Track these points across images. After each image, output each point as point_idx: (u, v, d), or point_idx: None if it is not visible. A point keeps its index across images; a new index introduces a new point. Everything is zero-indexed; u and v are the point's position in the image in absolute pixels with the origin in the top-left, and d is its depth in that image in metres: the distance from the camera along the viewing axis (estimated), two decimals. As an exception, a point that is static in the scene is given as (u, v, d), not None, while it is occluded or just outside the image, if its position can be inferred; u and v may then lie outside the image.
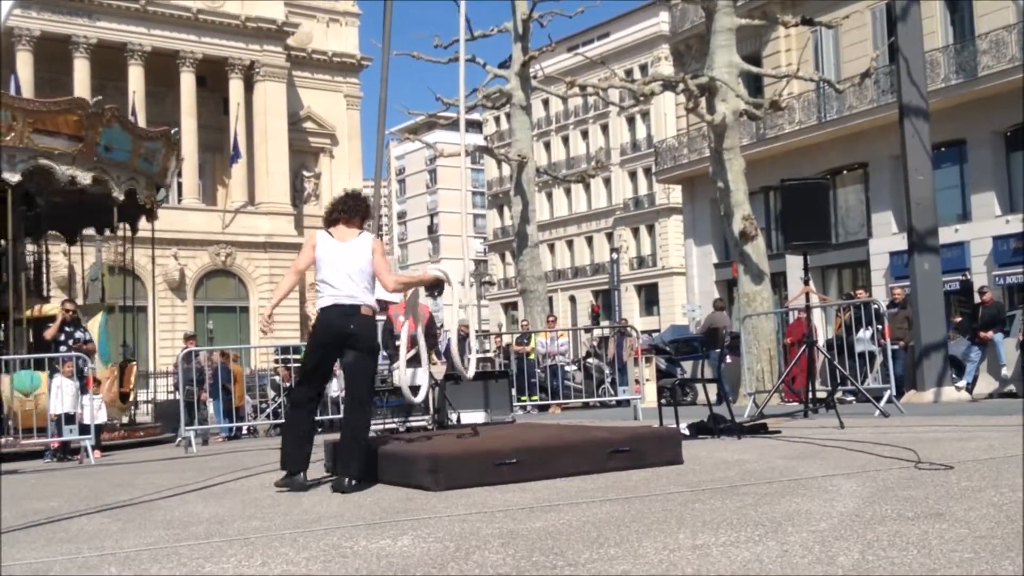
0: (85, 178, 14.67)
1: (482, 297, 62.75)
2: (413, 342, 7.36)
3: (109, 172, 15.16)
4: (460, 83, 8.02)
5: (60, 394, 11.38)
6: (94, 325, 15.60)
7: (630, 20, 60.41)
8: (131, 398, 16.95)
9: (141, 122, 29.37)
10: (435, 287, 6.74)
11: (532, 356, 17.54)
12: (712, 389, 11.86)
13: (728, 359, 16.26)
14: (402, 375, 7.06)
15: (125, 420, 16.39)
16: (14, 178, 14.06)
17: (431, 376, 8.37)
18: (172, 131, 17.01)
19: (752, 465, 5.67)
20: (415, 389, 7.31)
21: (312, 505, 5.06)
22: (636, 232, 60.49)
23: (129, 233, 17.81)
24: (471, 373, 8.09)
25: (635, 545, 3.32)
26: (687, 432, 7.87)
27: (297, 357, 19.40)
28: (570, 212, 64.89)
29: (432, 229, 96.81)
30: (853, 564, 2.84)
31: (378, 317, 7.37)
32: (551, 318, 21.56)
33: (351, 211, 6.23)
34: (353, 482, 5.61)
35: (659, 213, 58.34)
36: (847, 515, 3.69)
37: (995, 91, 24.38)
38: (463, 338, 13.63)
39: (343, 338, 5.88)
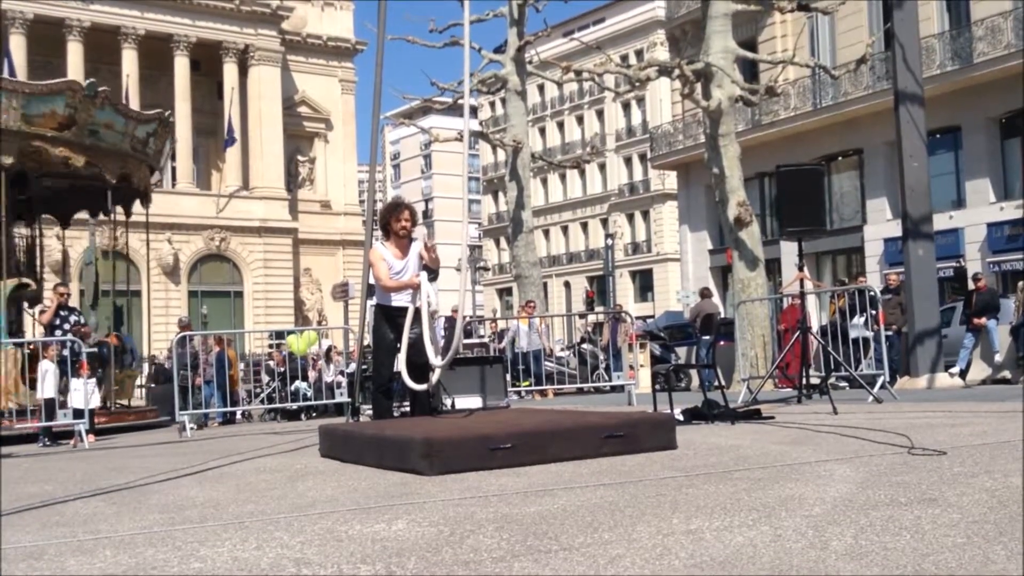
0: (78, 160, 14.56)
1: (477, 283, 62.64)
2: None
3: (102, 155, 15.06)
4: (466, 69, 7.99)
5: (46, 379, 11.37)
6: None
7: (626, 5, 60.25)
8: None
9: (135, 106, 29.18)
10: (431, 271, 6.80)
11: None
12: (708, 374, 11.89)
13: (722, 344, 16.30)
14: (402, 360, 7.03)
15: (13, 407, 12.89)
16: (7, 160, 13.98)
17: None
18: (166, 113, 16.91)
19: (746, 450, 5.68)
20: (420, 374, 7.13)
21: (307, 489, 5.06)
22: (631, 218, 60.47)
23: (123, 217, 17.74)
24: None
25: (629, 529, 3.33)
26: (681, 417, 7.88)
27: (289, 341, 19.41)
28: (565, 198, 64.83)
29: (427, 214, 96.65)
30: (846, 548, 2.85)
31: (371, 303, 7.41)
32: (531, 304, 20.63)
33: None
34: None
35: (654, 199, 58.32)
36: (840, 500, 3.70)
37: (990, 77, 24.39)
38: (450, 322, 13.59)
39: None
